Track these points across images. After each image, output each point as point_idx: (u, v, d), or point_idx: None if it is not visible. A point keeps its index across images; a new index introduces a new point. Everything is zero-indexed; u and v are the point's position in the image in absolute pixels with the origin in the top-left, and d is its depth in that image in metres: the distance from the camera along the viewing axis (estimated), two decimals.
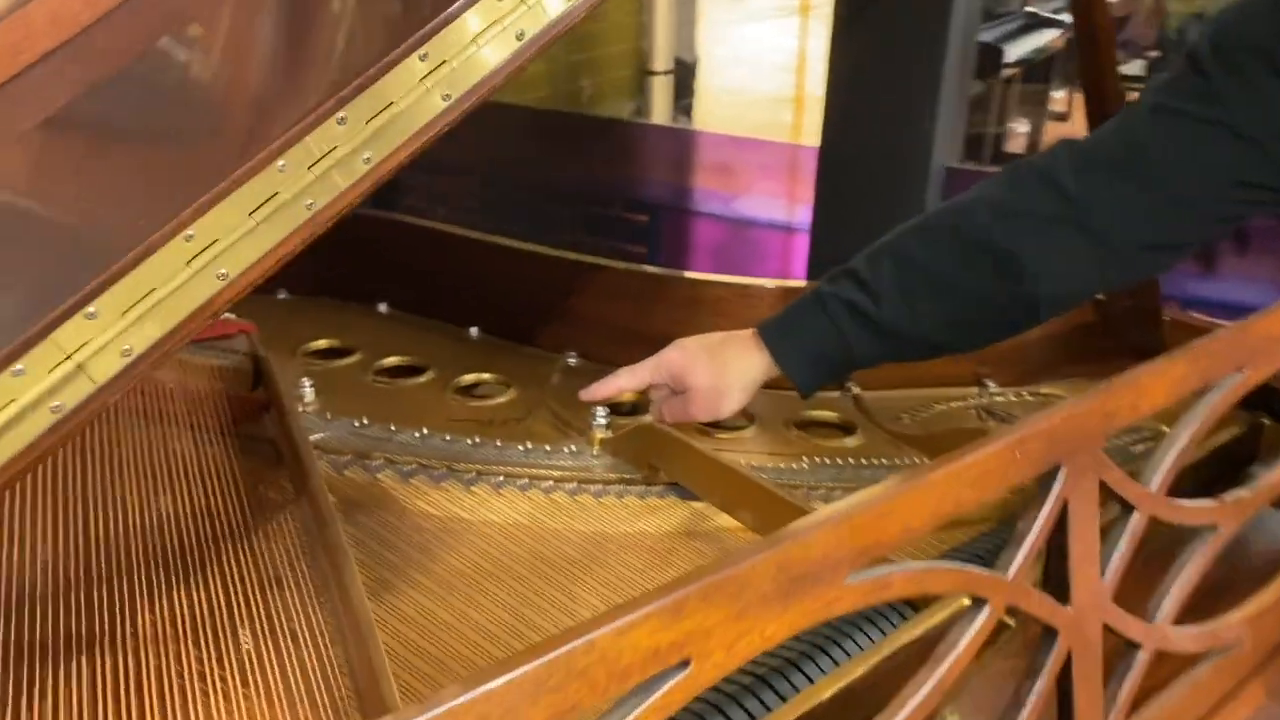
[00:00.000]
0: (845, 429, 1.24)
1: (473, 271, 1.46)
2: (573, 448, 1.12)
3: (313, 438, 1.12)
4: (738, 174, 2.19)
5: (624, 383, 1.11)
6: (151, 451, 1.07)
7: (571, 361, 1.37)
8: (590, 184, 2.30)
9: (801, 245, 2.07)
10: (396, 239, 1.52)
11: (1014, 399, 1.31)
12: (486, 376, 1.32)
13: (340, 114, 0.60)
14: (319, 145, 0.60)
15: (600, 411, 1.14)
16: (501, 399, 1.26)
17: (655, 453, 1.08)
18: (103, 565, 0.89)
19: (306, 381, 1.22)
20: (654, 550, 0.98)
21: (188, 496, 1.00)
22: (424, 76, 0.62)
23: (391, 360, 1.35)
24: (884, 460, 1.14)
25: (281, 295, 1.56)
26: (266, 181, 0.60)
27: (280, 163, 0.60)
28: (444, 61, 0.62)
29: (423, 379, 1.30)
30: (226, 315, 1.41)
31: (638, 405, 1.23)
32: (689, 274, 1.38)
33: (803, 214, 2.07)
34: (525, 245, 1.44)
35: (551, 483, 1.06)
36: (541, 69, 2.76)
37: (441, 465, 1.09)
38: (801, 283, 1.41)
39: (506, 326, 1.44)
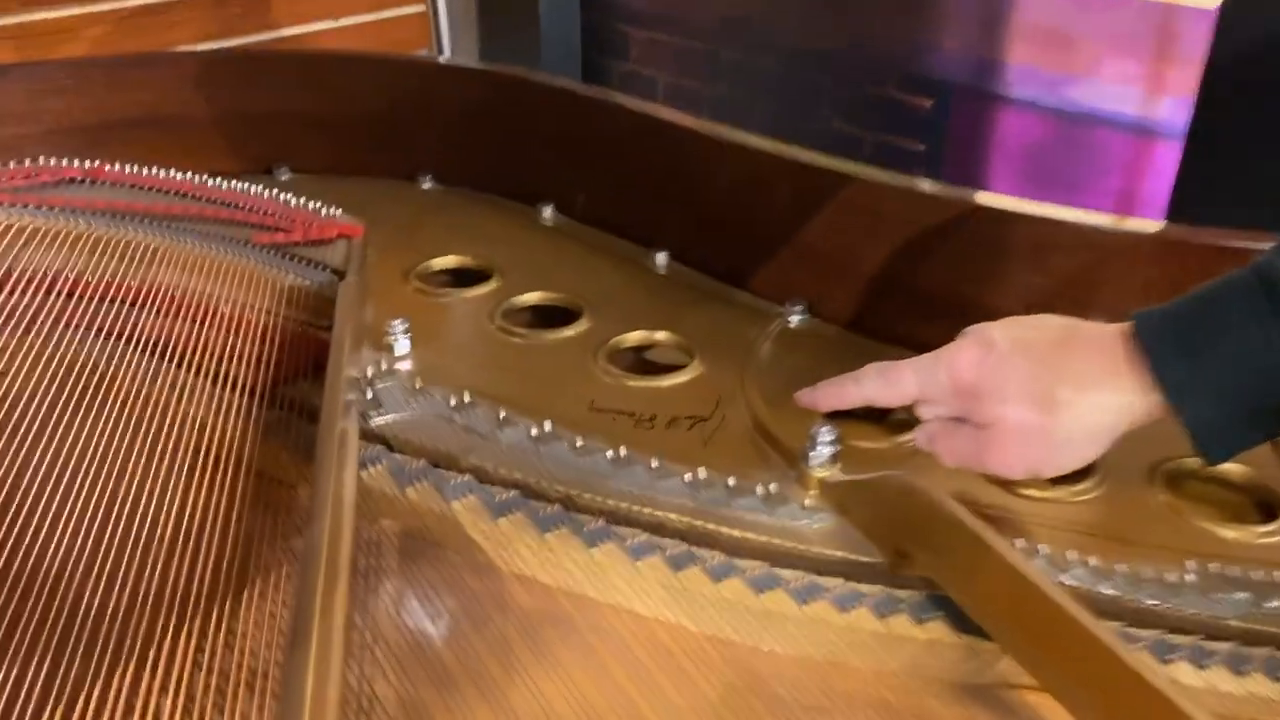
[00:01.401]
0: (1265, 505, 0.72)
1: (677, 170, 1.01)
2: (771, 487, 0.68)
3: (379, 420, 0.74)
4: (1074, 43, 1.51)
5: (872, 391, 0.65)
6: (141, 405, 0.73)
7: (794, 320, 0.91)
8: (853, 52, 1.71)
9: (1167, 159, 1.42)
10: (583, 118, 1.08)
11: None
12: (661, 337, 0.89)
13: None
14: None
15: (824, 432, 0.68)
16: (677, 377, 0.83)
17: (910, 529, 0.62)
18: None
19: (399, 325, 0.83)
20: None
21: (155, 499, 0.65)
22: None
23: (532, 296, 0.94)
24: None
25: (426, 184, 1.18)
26: None
27: None
28: None
29: (570, 331, 0.89)
30: (332, 210, 1.05)
31: (908, 420, 0.76)
32: (987, 198, 0.87)
33: (1173, 110, 1.41)
34: (751, 139, 0.97)
35: (721, 559, 0.63)
36: None
37: (555, 491, 0.68)
38: (1158, 224, 0.86)
39: (707, 255, 0.99)
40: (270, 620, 0.59)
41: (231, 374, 0.79)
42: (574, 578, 0.62)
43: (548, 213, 1.09)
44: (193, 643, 0.57)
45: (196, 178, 1.06)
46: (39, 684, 0.52)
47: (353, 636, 0.60)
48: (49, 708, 0.52)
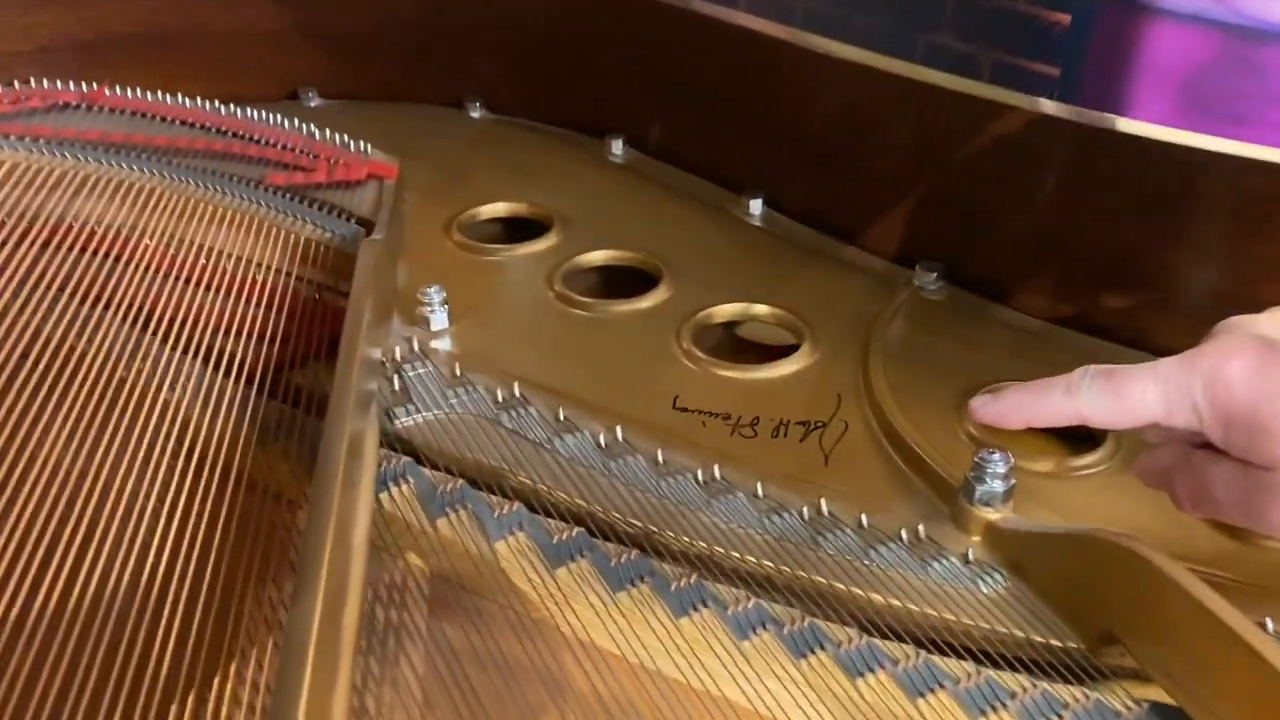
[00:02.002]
0: None
1: (773, 95, 0.82)
2: (920, 530, 0.51)
3: (405, 420, 0.58)
4: None
5: (1090, 407, 0.47)
6: (110, 391, 0.58)
7: (929, 288, 0.73)
8: None
9: None
10: (660, 32, 0.89)
11: None
12: (761, 310, 0.71)
13: None
14: None
15: (997, 459, 0.51)
16: (783, 368, 0.65)
17: (1123, 603, 0.44)
18: None
19: (436, 293, 0.67)
20: None
21: (118, 520, 0.50)
22: None
23: (599, 255, 0.77)
24: None
25: (476, 113, 1.00)
26: None
27: None
28: None
29: (646, 301, 0.71)
30: (362, 145, 0.88)
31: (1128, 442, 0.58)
32: (1172, 134, 0.66)
33: None
34: (865, 55, 0.77)
35: (860, 642, 0.46)
36: None
37: (631, 527, 0.52)
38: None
39: (812, 201, 0.81)
40: (249, 712, 0.44)
41: (228, 352, 0.63)
42: (656, 655, 0.46)
43: (618, 148, 0.91)
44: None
45: (206, 104, 0.90)
46: None
47: None
48: None
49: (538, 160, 0.91)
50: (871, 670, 0.44)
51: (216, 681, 0.45)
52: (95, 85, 0.92)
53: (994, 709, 0.43)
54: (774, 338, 0.70)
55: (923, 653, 0.45)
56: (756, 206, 0.82)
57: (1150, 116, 1.02)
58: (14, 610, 0.45)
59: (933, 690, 0.43)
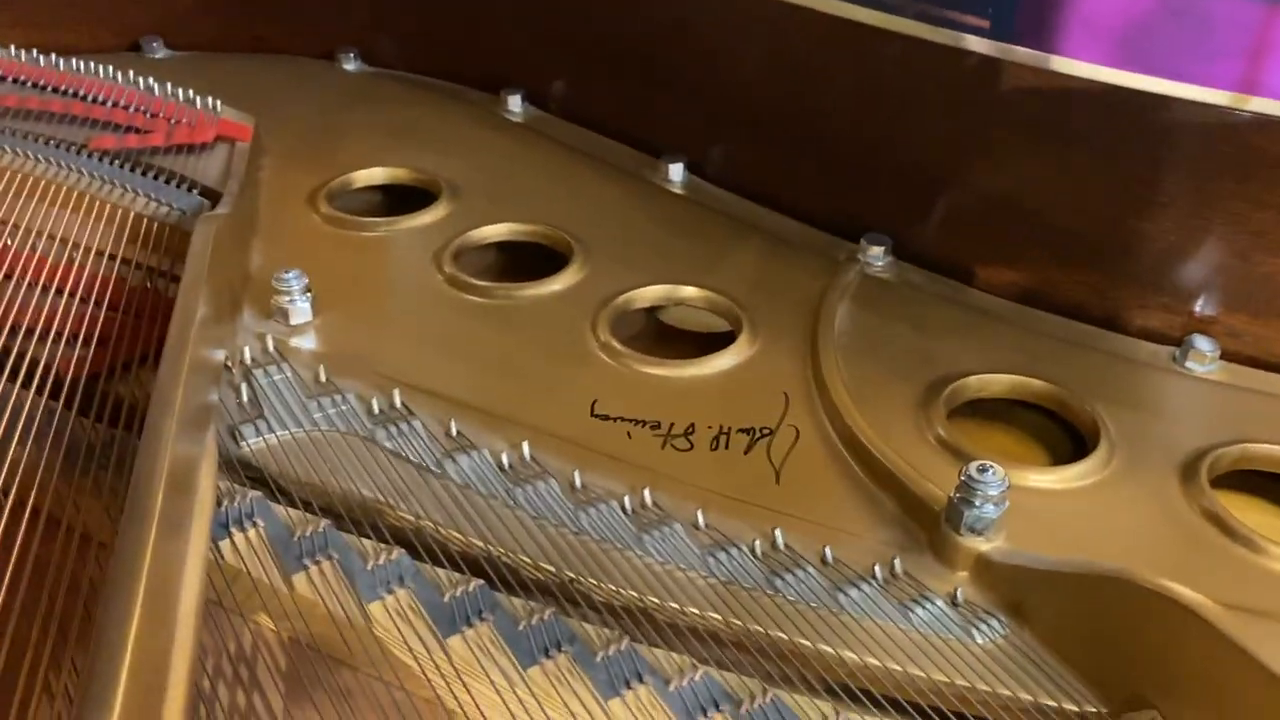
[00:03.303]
0: None
1: (692, 45, 0.71)
2: (895, 564, 0.42)
3: (254, 441, 0.47)
4: None
5: None
6: None
7: (876, 264, 0.64)
8: None
9: None
10: None
11: None
12: (689, 293, 0.61)
13: None
14: None
15: (989, 476, 0.42)
16: (719, 361, 0.55)
17: (1148, 659, 0.36)
18: None
19: (296, 279, 0.55)
20: None
21: None
22: None
23: (498, 230, 0.65)
24: None
25: (350, 65, 0.87)
26: None
27: None
28: None
29: (556, 284, 0.60)
30: (211, 102, 0.75)
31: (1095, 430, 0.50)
32: (1169, 85, 0.58)
33: None
34: None
35: (830, 718, 0.36)
36: None
37: (544, 574, 0.41)
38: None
39: (740, 166, 0.71)
40: None
41: (30, 357, 0.50)
42: None
43: (516, 105, 0.79)
44: None
45: (23, 54, 0.75)
46: None
47: None
48: None
49: (422, 119, 0.78)
50: None
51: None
52: None
53: None
54: (705, 324, 0.60)
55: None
56: (677, 172, 0.72)
57: (1077, 51, 0.91)
58: None
59: None
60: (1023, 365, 0.55)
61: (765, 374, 0.54)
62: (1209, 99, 0.56)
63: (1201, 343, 0.56)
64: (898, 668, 0.39)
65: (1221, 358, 0.57)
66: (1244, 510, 0.49)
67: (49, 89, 0.73)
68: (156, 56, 0.88)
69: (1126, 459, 0.49)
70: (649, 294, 0.60)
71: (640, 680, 0.37)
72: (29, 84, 0.73)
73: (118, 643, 0.32)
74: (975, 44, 0.60)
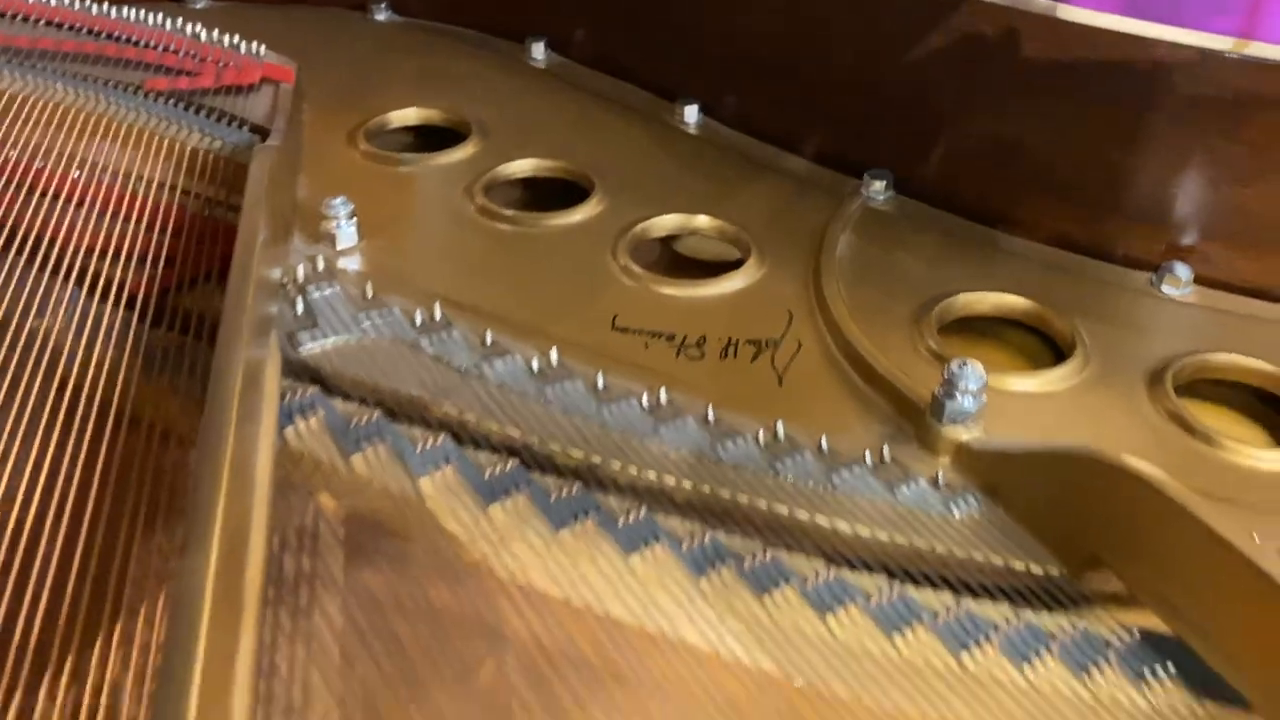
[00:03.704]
0: None
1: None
2: (885, 451, 0.47)
3: (311, 346, 0.52)
4: None
5: None
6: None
7: (877, 197, 0.68)
8: None
9: None
10: None
11: None
12: (701, 222, 0.66)
13: None
14: None
15: (968, 373, 0.47)
16: (729, 283, 0.60)
17: (1109, 524, 0.41)
18: None
19: (343, 205, 0.60)
20: None
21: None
22: None
23: (524, 165, 0.70)
24: None
25: (381, 15, 0.91)
26: None
27: None
28: None
29: (577, 214, 0.65)
30: (255, 48, 0.80)
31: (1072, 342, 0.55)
32: (1158, 29, 0.62)
33: None
34: None
35: (827, 575, 0.42)
36: None
37: (571, 458, 0.46)
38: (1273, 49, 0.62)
39: (752, 108, 0.75)
40: (137, 679, 0.38)
41: (106, 276, 0.56)
42: (604, 597, 0.41)
43: (539, 52, 0.84)
44: (19, 699, 0.37)
45: (78, 3, 0.80)
46: None
47: (272, 690, 0.39)
48: None
49: (451, 65, 0.83)
50: (842, 605, 0.40)
51: (99, 644, 0.39)
52: None
53: (976, 644, 0.39)
54: (716, 253, 0.65)
55: (896, 584, 0.41)
56: (692, 114, 0.77)
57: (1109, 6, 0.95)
58: None
59: (910, 625, 0.40)
60: (1010, 288, 0.60)
61: (771, 294, 0.59)
62: (1192, 41, 0.60)
63: (1177, 268, 0.61)
64: (884, 537, 0.44)
65: (1195, 282, 0.61)
66: (1217, 419, 0.54)
67: (104, 35, 0.78)
68: (198, 6, 0.92)
69: (1100, 367, 0.54)
70: (664, 223, 0.65)
71: (657, 540, 0.42)
72: (85, 31, 0.78)
73: (209, 509, 0.37)
74: None
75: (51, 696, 0.37)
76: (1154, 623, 0.40)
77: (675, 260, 0.67)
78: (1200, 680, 0.38)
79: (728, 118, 0.77)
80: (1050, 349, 0.59)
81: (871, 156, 0.70)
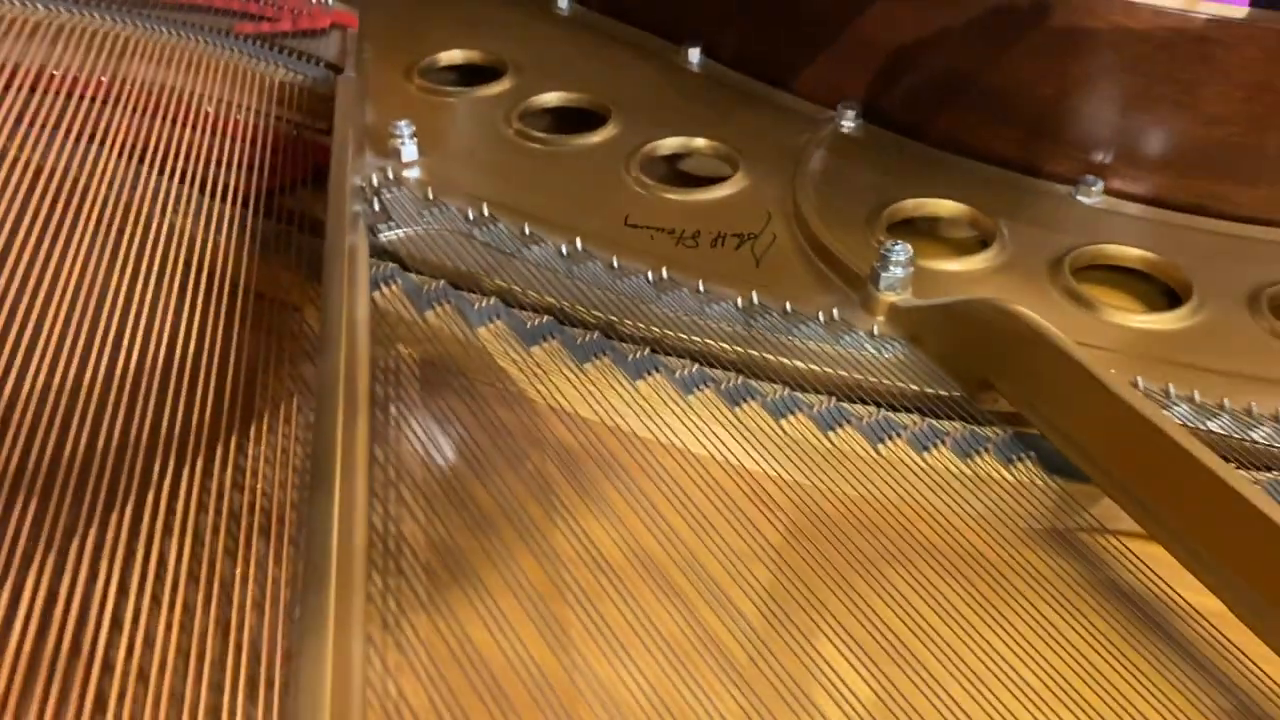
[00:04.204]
0: None
1: None
2: (834, 312, 0.61)
3: (388, 235, 0.66)
4: None
5: None
6: (119, 216, 0.65)
7: (847, 124, 0.81)
8: None
9: None
10: None
11: None
12: (700, 144, 0.79)
13: None
14: None
15: (898, 250, 0.61)
16: (720, 190, 0.74)
17: (998, 358, 0.55)
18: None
19: (405, 125, 0.74)
20: (969, 570, 0.48)
21: (145, 320, 0.57)
22: None
23: (552, 97, 0.84)
24: None
25: None
26: None
27: None
28: None
29: (597, 136, 0.79)
30: (325, 1, 0.93)
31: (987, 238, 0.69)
32: None
33: None
34: None
35: (782, 393, 0.56)
36: None
37: (593, 317, 0.61)
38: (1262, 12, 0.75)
39: (748, 51, 0.88)
40: (282, 456, 0.53)
41: (220, 181, 0.70)
42: (619, 412, 0.56)
43: (564, 2, 0.97)
44: (196, 482, 0.51)
45: None
46: (24, 531, 0.46)
47: (375, 473, 0.54)
48: (39, 556, 0.46)
49: (487, 14, 0.96)
50: (793, 413, 0.55)
51: (253, 431, 0.53)
52: None
53: (890, 438, 0.53)
54: (712, 171, 0.79)
55: (834, 399, 0.55)
56: (695, 55, 0.90)
57: None
58: (70, 374, 0.53)
59: (842, 426, 0.54)
60: (953, 197, 0.73)
61: (754, 199, 0.73)
62: None
63: (1090, 179, 0.74)
64: (830, 370, 0.58)
65: (1105, 192, 0.74)
66: (1105, 294, 0.67)
67: None
68: None
69: (1013, 254, 0.68)
70: (669, 144, 0.78)
71: (656, 370, 0.57)
72: None
73: (336, 349, 0.51)
74: None
75: (224, 468, 0.51)
76: (1024, 426, 0.54)
77: (680, 177, 0.80)
78: (1053, 464, 0.52)
79: (725, 58, 0.90)
80: (981, 245, 0.72)
81: (846, 88, 0.83)
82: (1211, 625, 0.46)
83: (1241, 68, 0.70)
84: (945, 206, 0.72)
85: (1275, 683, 0.44)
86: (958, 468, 0.53)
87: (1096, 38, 0.73)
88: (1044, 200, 0.74)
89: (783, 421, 0.54)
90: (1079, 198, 0.74)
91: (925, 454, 0.53)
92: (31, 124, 0.73)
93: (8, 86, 0.75)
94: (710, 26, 0.90)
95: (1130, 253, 0.68)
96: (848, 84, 0.83)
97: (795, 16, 0.85)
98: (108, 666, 0.42)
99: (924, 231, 0.74)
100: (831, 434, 0.54)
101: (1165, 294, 0.68)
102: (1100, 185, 0.74)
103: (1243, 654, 0.45)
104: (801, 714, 0.43)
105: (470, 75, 0.89)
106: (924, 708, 0.43)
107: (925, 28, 0.79)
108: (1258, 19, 0.70)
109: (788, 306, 0.61)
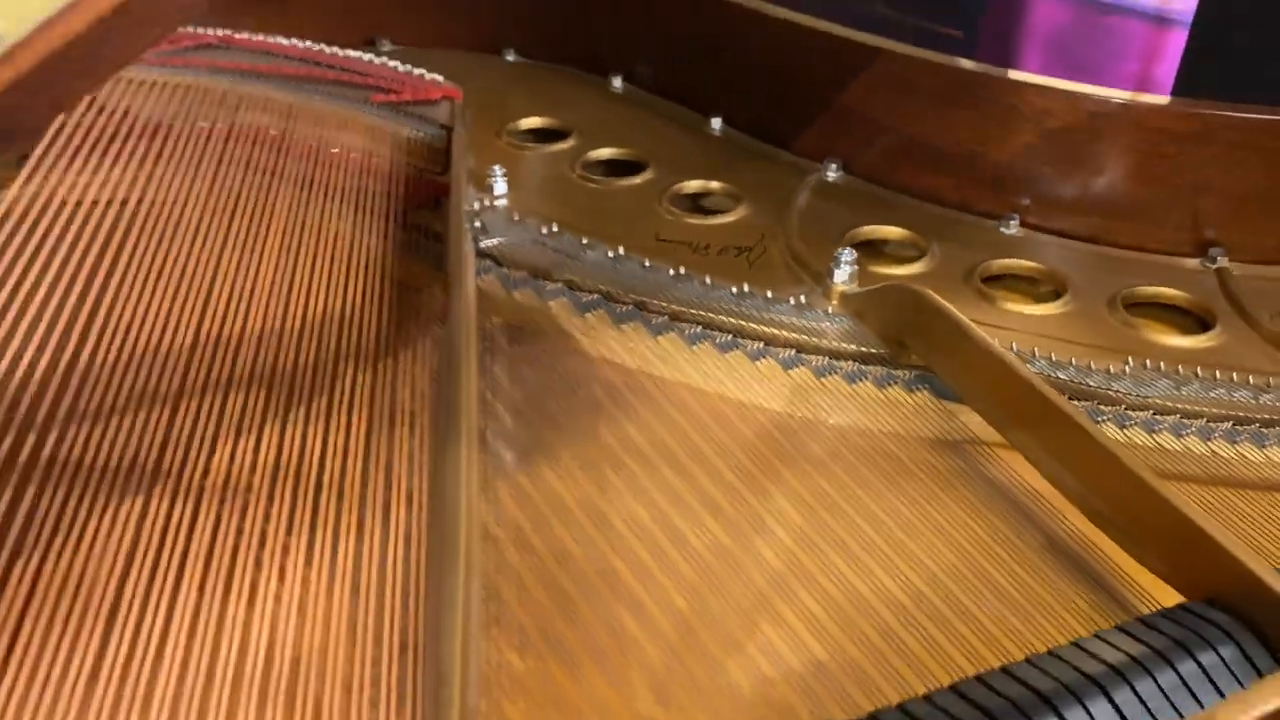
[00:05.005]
0: (1200, 319, 0.88)
1: (728, 45, 1.16)
2: (802, 298, 0.85)
3: (487, 242, 0.92)
4: None
5: None
6: (299, 227, 0.92)
7: (831, 176, 1.07)
8: None
9: (1175, 45, 1.57)
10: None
11: None
12: (715, 186, 1.05)
13: None
14: None
15: (845, 255, 0.85)
16: (727, 217, 1.00)
17: (909, 325, 0.79)
18: (196, 372, 0.75)
19: (498, 169, 1.01)
20: (882, 463, 0.71)
21: (323, 295, 0.84)
22: None
23: (606, 152, 1.11)
24: (1252, 379, 0.79)
25: (510, 57, 1.33)
26: None
27: None
28: None
29: (638, 179, 1.05)
30: (433, 76, 1.22)
31: (914, 255, 0.93)
32: (1011, 74, 1.01)
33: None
34: (801, 18, 1.11)
35: (761, 345, 0.81)
36: None
37: (629, 298, 0.86)
38: (1163, 99, 1.01)
39: (758, 121, 1.15)
40: (421, 372, 0.78)
41: (369, 205, 0.97)
42: (646, 358, 0.80)
43: (617, 83, 1.24)
44: (366, 383, 0.76)
45: (317, 46, 1.23)
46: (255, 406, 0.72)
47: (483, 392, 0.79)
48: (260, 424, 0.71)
49: (557, 91, 1.24)
50: (764, 358, 0.79)
51: (400, 359, 0.79)
52: (224, 31, 1.24)
53: (830, 374, 0.78)
54: (723, 204, 1.04)
55: (794, 351, 0.80)
56: (717, 124, 1.16)
57: (1028, 64, 1.41)
58: (271, 321, 0.79)
59: (797, 367, 0.78)
60: (904, 225, 0.98)
61: (752, 225, 0.98)
62: (1011, 76, 0.98)
63: (1010, 216, 0.98)
64: (795, 336, 0.82)
65: (1021, 225, 0.99)
66: (1010, 294, 0.91)
67: (338, 68, 1.20)
68: (385, 49, 1.35)
69: (941, 265, 0.92)
70: (691, 185, 1.04)
71: (669, 330, 0.81)
72: (324, 65, 1.20)
73: (463, 314, 0.77)
74: (889, 44, 1.03)
75: (382, 377, 0.77)
76: (923, 370, 0.78)
77: (698, 207, 1.06)
78: (943, 393, 0.76)
79: (742, 126, 1.16)
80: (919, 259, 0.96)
81: (831, 149, 1.09)
82: (1049, 504, 0.68)
83: (1126, 138, 0.94)
84: (893, 231, 0.97)
85: (1104, 554, 0.66)
86: (877, 394, 0.76)
87: (1019, 112, 0.98)
88: (972, 230, 0.99)
89: (758, 363, 0.79)
90: (1000, 229, 0.98)
91: (855, 385, 0.77)
92: (231, 165, 1.01)
93: (212, 138, 1.04)
94: (730, 101, 1.17)
95: (1024, 264, 0.92)
96: (832, 145, 1.09)
97: (794, 95, 1.12)
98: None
99: (879, 250, 0.98)
100: (791, 371, 0.78)
101: (1053, 294, 0.91)
102: (1017, 220, 0.98)
103: (1068, 519, 0.67)
104: (744, 554, 0.66)
105: (544, 136, 1.16)
106: (837, 561, 0.66)
107: (891, 103, 1.05)
108: (1134, 103, 0.95)
109: (768, 294, 0.86)
